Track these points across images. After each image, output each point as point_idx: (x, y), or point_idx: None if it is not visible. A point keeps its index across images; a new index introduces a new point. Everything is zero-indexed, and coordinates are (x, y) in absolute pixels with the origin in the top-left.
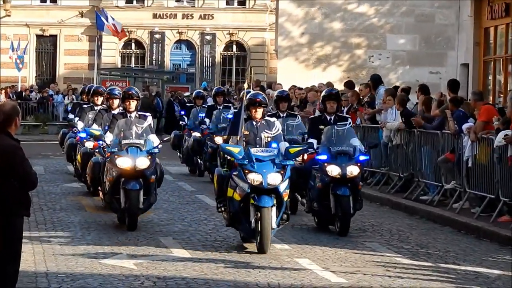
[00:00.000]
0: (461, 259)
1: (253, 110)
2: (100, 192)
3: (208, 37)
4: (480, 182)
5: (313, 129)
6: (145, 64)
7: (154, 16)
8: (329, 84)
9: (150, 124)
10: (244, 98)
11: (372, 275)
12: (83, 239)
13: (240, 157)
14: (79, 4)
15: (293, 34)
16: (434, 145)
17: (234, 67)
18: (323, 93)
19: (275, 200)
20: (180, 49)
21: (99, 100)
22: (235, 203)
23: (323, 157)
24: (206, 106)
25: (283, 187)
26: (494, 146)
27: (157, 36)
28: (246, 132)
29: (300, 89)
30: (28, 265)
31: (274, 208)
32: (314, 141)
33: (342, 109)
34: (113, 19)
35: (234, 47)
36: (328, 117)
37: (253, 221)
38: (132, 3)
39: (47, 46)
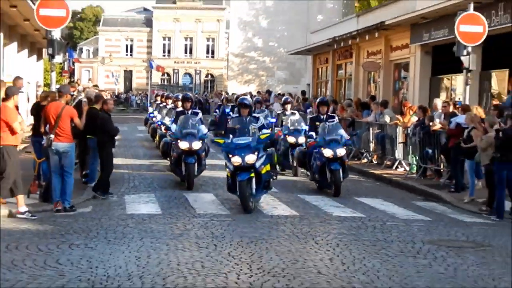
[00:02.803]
0: None
1: (242, 110)
2: (168, 162)
3: (198, 71)
4: None
5: (312, 125)
6: (170, 83)
7: (175, 62)
8: (250, 93)
9: (201, 118)
10: (236, 102)
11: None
12: (144, 161)
13: (225, 146)
14: (141, 57)
15: (235, 69)
16: None
17: (209, 85)
18: (318, 100)
19: (253, 173)
20: (186, 77)
21: (169, 102)
22: (228, 178)
23: (321, 143)
24: (230, 105)
25: (259, 163)
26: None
27: (175, 71)
28: (238, 126)
29: (234, 94)
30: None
31: (253, 180)
32: (313, 133)
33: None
34: (156, 64)
35: (209, 76)
36: (322, 116)
37: (238, 190)
38: (164, 56)
39: (129, 76)
